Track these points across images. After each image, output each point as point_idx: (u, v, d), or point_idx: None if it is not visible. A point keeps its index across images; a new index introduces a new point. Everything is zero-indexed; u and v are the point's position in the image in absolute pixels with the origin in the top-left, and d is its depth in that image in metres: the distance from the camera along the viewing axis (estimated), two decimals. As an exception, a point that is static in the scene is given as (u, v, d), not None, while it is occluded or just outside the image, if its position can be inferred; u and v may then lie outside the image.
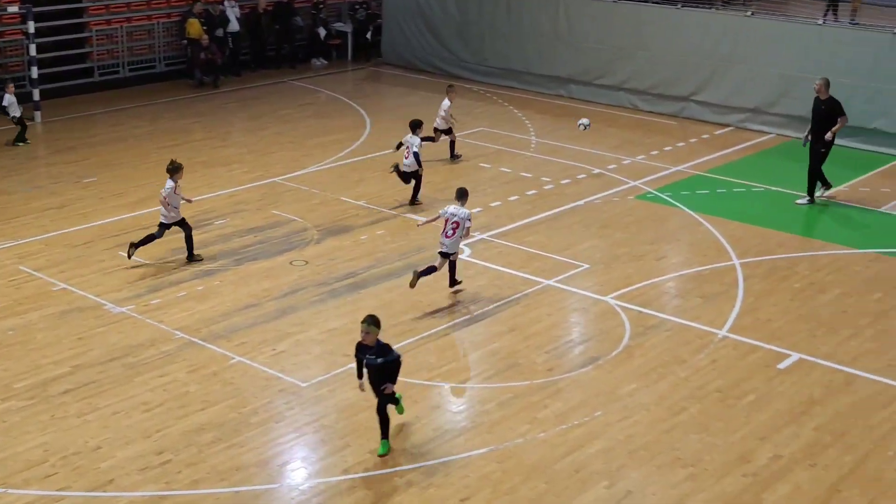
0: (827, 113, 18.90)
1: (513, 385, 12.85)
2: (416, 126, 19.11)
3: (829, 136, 18.85)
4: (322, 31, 30.18)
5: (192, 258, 16.22)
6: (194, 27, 27.32)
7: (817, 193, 19.55)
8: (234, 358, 13.35)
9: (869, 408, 12.50)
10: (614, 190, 19.92)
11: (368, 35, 30.82)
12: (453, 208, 15.30)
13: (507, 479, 10.99)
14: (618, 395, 12.68)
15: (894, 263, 16.72)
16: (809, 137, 19.16)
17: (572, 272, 16.18)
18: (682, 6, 25.62)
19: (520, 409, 12.31)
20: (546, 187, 19.95)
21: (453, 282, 15.38)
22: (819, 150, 19.07)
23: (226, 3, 28.25)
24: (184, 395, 12.45)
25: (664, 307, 15.15)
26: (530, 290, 15.54)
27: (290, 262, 16.35)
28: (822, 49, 23.29)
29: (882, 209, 19.29)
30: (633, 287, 15.70)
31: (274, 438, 11.67)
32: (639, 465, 11.27)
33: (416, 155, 18.71)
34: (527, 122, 24.63)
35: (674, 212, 18.88)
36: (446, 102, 21.48)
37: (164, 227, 16.19)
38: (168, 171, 16.17)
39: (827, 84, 19.11)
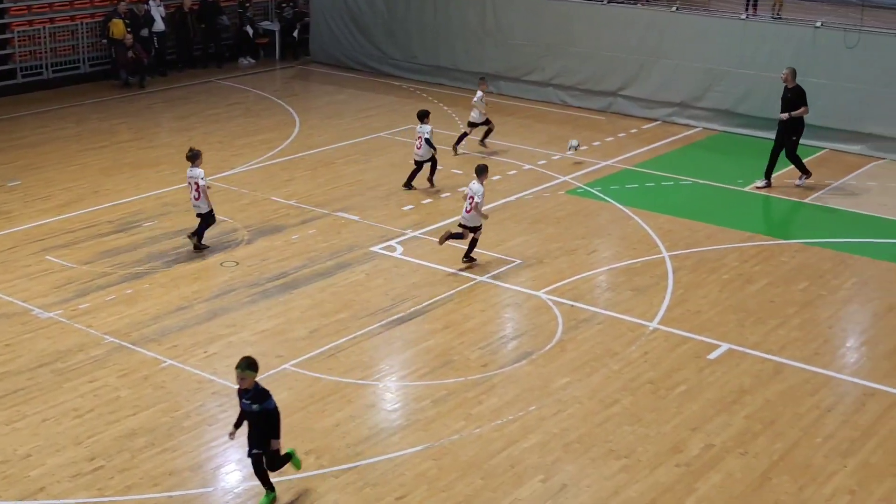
0: (793, 101, 19.85)
1: (447, 382, 12.88)
2: (423, 116, 19.56)
3: (783, 116, 19.82)
4: (249, 30, 29.94)
5: (198, 242, 16.59)
6: (118, 27, 26.92)
7: (797, 182, 20.28)
8: (165, 361, 13.20)
9: (797, 396, 12.73)
10: (545, 185, 20.05)
11: (296, 33, 30.63)
12: (472, 184, 16.34)
13: (443, 476, 11.01)
14: (551, 389, 12.77)
15: (819, 253, 17.03)
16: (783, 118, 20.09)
17: (505, 268, 16.25)
18: (609, 2, 25.84)
19: (455, 406, 12.34)
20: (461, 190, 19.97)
21: (468, 256, 16.30)
22: (791, 137, 19.95)
23: (151, 2, 27.88)
24: (115, 401, 12.29)
25: (596, 301, 15.28)
26: (463, 286, 15.58)
27: (221, 264, 16.21)
28: (745, 44, 23.64)
29: (806, 200, 19.64)
30: (566, 281, 15.81)
31: (207, 442, 11.56)
32: (573, 458, 11.36)
33: (427, 142, 19.29)
34: (457, 119, 24.67)
35: (604, 206, 19.04)
36: (479, 94, 22.03)
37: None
38: (188, 158, 16.48)
39: (793, 73, 19.99)
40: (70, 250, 16.52)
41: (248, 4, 29.98)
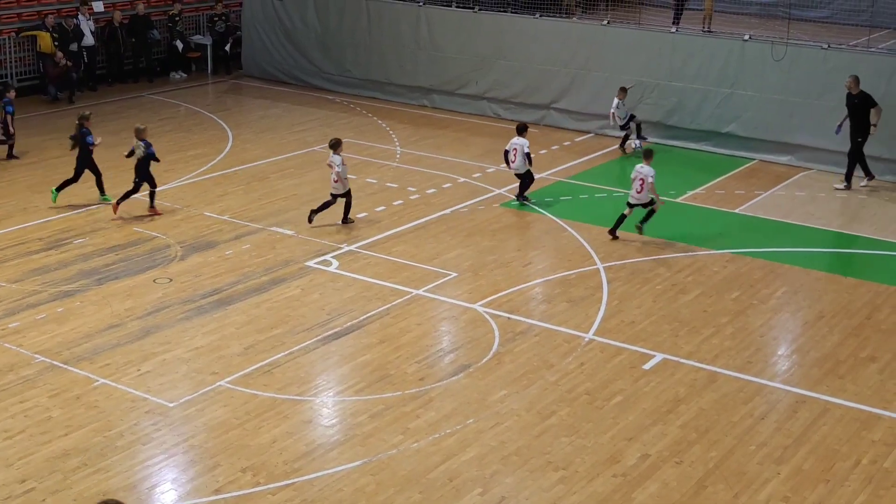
0: (860, 105, 20.73)
1: (384, 396, 12.84)
2: (522, 129, 19.87)
3: (874, 125, 20.71)
4: (179, 45, 29.68)
5: (346, 220, 18.40)
6: (45, 41, 26.54)
7: (862, 184, 21.08)
8: (97, 380, 13.00)
9: (731, 404, 12.88)
10: (480, 198, 20.11)
11: (228, 47, 30.44)
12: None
13: (382, 490, 10.97)
14: (489, 401, 12.79)
15: (750, 263, 17.28)
16: (841, 127, 20.95)
17: (440, 281, 16.26)
18: (541, 16, 26.03)
19: (392, 420, 12.31)
20: (412, 197, 20.01)
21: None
22: (857, 139, 20.82)
23: (80, 16, 27.53)
24: (46, 421, 12.08)
25: (532, 313, 15.35)
26: (399, 300, 15.56)
27: (154, 280, 16.02)
28: (675, 56, 23.96)
29: (736, 210, 19.92)
30: (501, 294, 15.86)
31: (142, 461, 11.41)
32: (512, 470, 11.38)
33: (527, 156, 19.51)
34: (391, 132, 24.68)
35: (538, 218, 19.15)
36: (616, 101, 22.93)
37: (335, 197, 18.30)
38: (331, 146, 18.23)
39: (857, 80, 20.75)
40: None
41: (177, 19, 29.72)
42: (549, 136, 24.74)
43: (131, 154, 18.69)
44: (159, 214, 18.66)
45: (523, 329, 14.74)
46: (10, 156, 21.85)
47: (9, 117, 21.64)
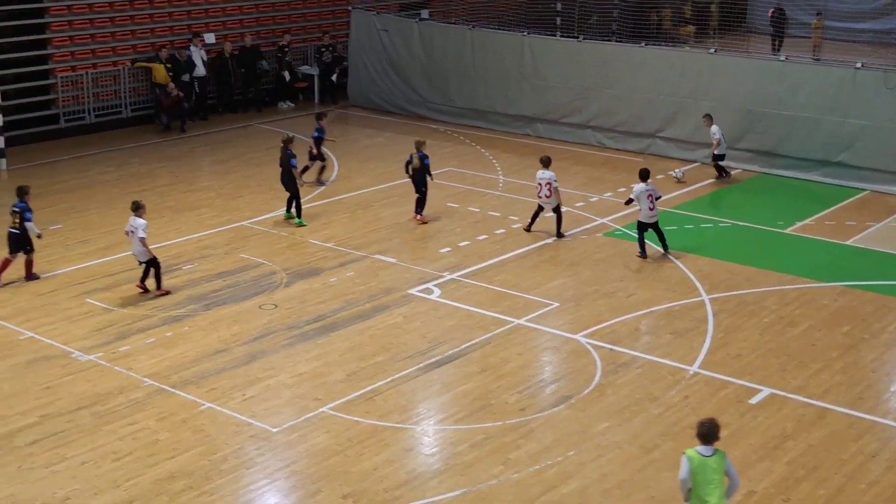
0: None
1: (485, 426, 12.80)
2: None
3: None
4: (287, 75, 30.22)
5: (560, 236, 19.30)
6: (160, 72, 27.30)
7: None
8: (203, 404, 13.22)
9: (840, 441, 12.53)
10: (583, 227, 19.99)
11: (334, 77, 30.89)
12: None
13: (482, 521, 10.91)
14: (591, 433, 12.65)
15: (861, 296, 16.83)
16: None
17: (542, 311, 16.18)
18: (647, 44, 25.86)
19: (493, 450, 12.25)
20: (514, 226, 19.99)
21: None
22: None
23: (192, 47, 28.24)
24: (153, 444, 12.31)
25: (635, 344, 15.17)
26: (501, 329, 15.52)
27: (260, 306, 16.26)
28: (784, 84, 23.56)
29: (847, 242, 19.44)
30: (604, 324, 15.71)
31: (245, 485, 11.55)
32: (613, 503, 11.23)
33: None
34: (494, 161, 24.72)
35: (642, 248, 18.95)
36: (714, 128, 22.83)
37: (542, 209, 19.29)
38: (542, 161, 19.24)
39: None
40: (110, 293, 16.65)
41: (286, 49, 30.28)
42: (653, 165, 24.27)
43: (409, 164, 20.09)
44: (425, 223, 19.98)
45: (626, 360, 14.57)
46: (319, 181, 22.61)
47: (312, 141, 22.34)
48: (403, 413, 13.13)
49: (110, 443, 12.31)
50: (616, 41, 26.60)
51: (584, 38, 26.93)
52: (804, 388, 13.78)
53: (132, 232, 16.52)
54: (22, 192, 17.46)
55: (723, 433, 12.54)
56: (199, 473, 11.71)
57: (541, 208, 19.51)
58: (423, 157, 20.08)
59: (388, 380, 13.93)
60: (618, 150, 25.81)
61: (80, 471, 11.73)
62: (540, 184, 19.28)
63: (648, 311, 16.39)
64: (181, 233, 19.40)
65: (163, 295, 16.52)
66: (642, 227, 18.42)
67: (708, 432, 9.84)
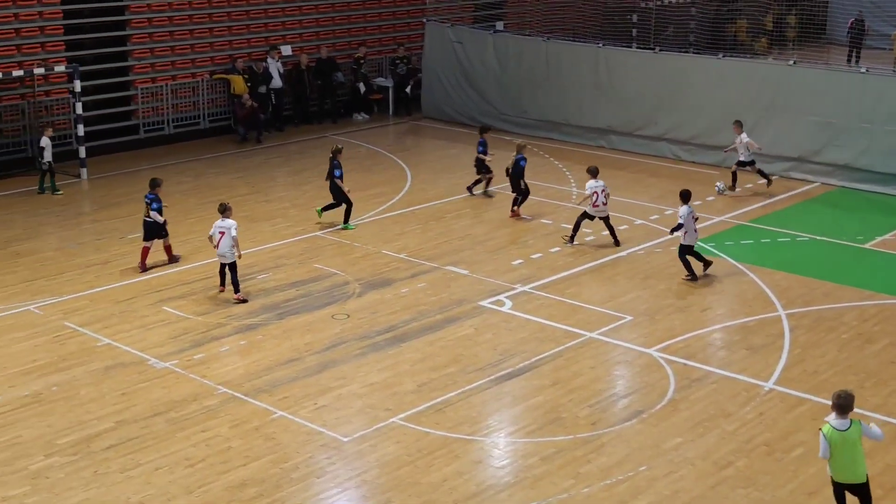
0: None
1: (556, 439, 12.72)
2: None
3: None
4: (362, 87, 30.42)
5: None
6: (239, 84, 27.66)
7: None
8: (275, 413, 13.32)
9: (921, 461, 12.24)
10: (657, 241, 19.81)
11: (409, 89, 31.03)
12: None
13: (551, 535, 10.84)
14: (663, 449, 12.51)
15: (944, 313, 16.44)
16: None
17: (615, 324, 16.06)
18: (724, 56, 25.57)
19: (563, 464, 12.17)
20: (587, 238, 19.87)
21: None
22: None
23: (269, 59, 28.57)
24: (226, 451, 12.43)
25: (709, 359, 14.97)
26: (572, 342, 15.43)
27: (332, 316, 16.35)
28: (865, 97, 23.13)
29: (930, 258, 19.03)
30: (678, 339, 15.54)
31: (316, 494, 11.60)
32: (685, 520, 11.08)
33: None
34: (567, 173, 24.62)
35: (717, 262, 18.69)
36: (743, 136, 22.81)
37: (589, 216, 19.35)
38: (590, 172, 19.54)
39: None
40: (186, 301, 16.88)
41: (362, 61, 30.49)
42: (730, 179, 24.18)
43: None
44: (522, 218, 20.91)
45: (700, 376, 14.39)
46: (486, 193, 22.92)
47: (481, 156, 22.70)
48: (474, 425, 13.10)
49: (184, 449, 12.46)
50: (693, 52, 26.34)
51: (660, 50, 26.72)
52: (883, 407, 13.47)
53: (222, 233, 16.83)
54: (154, 185, 18.57)
55: (798, 451, 12.38)
56: (270, 481, 11.80)
57: (588, 217, 19.42)
58: (519, 160, 20.88)
59: (459, 391, 13.91)
60: (693, 162, 25.55)
61: (154, 476, 11.88)
62: (596, 192, 19.21)
63: (723, 325, 16.18)
64: (256, 242, 19.60)
65: (240, 302, 16.70)
66: (686, 251, 17.87)
67: (845, 403, 10.24)
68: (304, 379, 14.27)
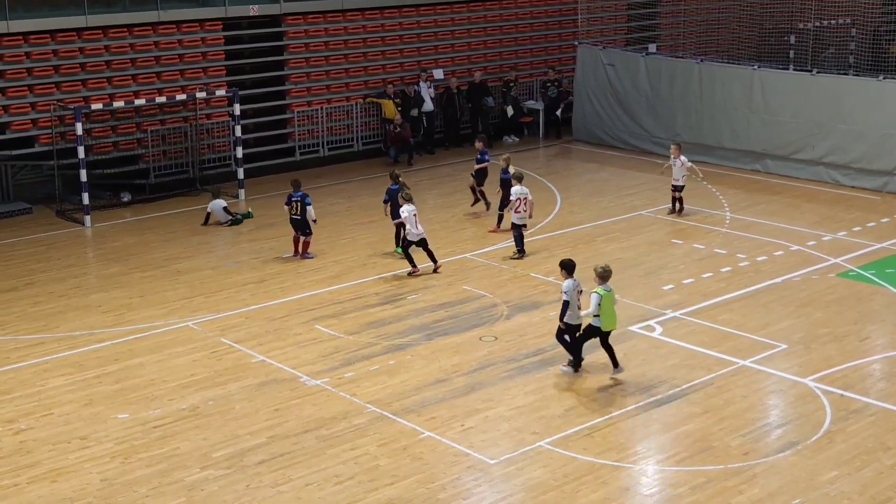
0: None
1: (706, 469, 12.47)
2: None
3: None
4: (510, 110, 30.50)
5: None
6: (389, 108, 28.11)
7: None
8: (423, 433, 13.43)
9: None
10: (814, 267, 19.26)
11: (559, 112, 30.99)
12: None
13: (701, 566, 10.61)
14: (818, 482, 12.12)
15: None
16: None
17: (769, 352, 15.66)
18: (885, 78, 24.78)
19: (713, 494, 11.91)
20: (741, 264, 19.46)
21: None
22: None
23: (421, 83, 28.95)
24: (374, 469, 12.59)
25: (868, 391, 14.46)
26: (724, 370, 15.11)
27: (480, 338, 16.41)
28: None
29: None
30: (835, 369, 15.06)
31: (461, 515, 11.64)
32: (842, 557, 10.71)
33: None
34: (720, 197, 24.19)
35: (878, 290, 18.08)
36: (683, 159, 22.45)
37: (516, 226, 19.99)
38: (516, 178, 20.24)
39: None
40: (338, 320, 17.18)
41: (512, 84, 30.60)
42: (891, 204, 23.39)
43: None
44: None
45: (858, 407, 13.90)
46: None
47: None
48: (622, 451, 12.95)
49: (333, 466, 12.66)
50: (853, 74, 25.59)
51: (817, 72, 26.05)
52: None
53: (415, 215, 19.02)
54: (297, 184, 20.41)
55: (964, 489, 11.83)
56: (416, 501, 11.88)
57: (517, 227, 20.00)
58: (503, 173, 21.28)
59: (607, 417, 13.78)
60: (853, 187, 24.79)
61: (304, 492, 12.11)
62: (519, 199, 19.91)
63: (883, 356, 15.61)
64: (405, 263, 19.80)
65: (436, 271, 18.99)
66: (569, 333, 15.03)
67: (606, 274, 14.07)
68: (451, 400, 14.35)
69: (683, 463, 12.65)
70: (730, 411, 13.88)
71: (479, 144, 23.69)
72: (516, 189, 20.02)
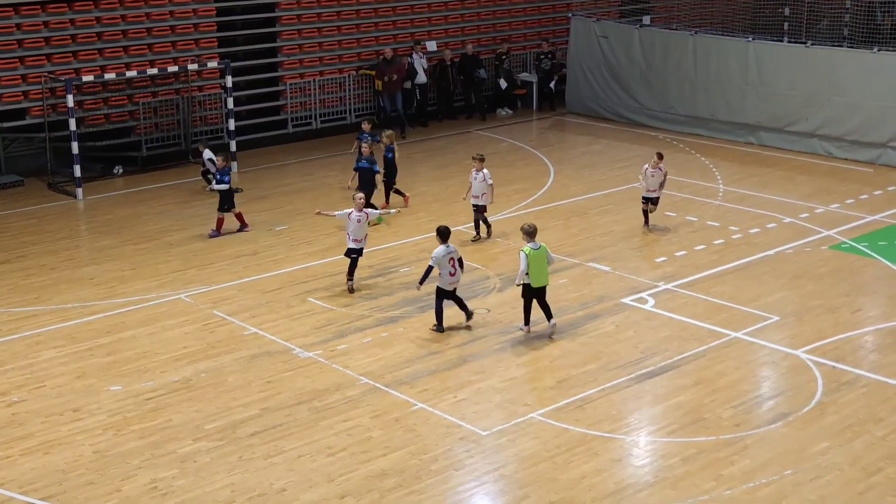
0: None
1: (698, 440, 12.50)
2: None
3: None
4: (503, 83, 30.40)
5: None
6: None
7: None
8: (416, 404, 13.45)
9: None
10: (807, 240, 19.27)
11: (552, 84, 30.89)
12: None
13: (691, 537, 10.67)
14: (809, 453, 12.17)
15: None
16: None
17: (761, 324, 15.69)
18: (879, 50, 24.73)
19: (705, 465, 11.95)
20: (734, 237, 19.47)
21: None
22: None
23: (414, 55, 28.84)
24: (367, 441, 12.61)
25: (860, 362, 14.50)
26: (717, 342, 15.14)
27: (473, 310, 16.40)
28: None
29: None
30: (827, 341, 15.09)
31: (453, 486, 11.67)
32: (832, 528, 10.77)
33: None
34: (714, 169, 24.17)
35: (871, 263, 18.10)
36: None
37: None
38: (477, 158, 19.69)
39: None
40: (330, 293, 17.17)
41: (504, 57, 30.49)
42: (885, 177, 23.39)
43: None
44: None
45: (850, 379, 13.94)
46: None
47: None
48: (614, 423, 12.98)
49: (326, 438, 12.68)
50: (848, 46, 25.52)
51: (812, 44, 25.98)
52: None
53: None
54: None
55: (954, 460, 11.89)
56: (409, 472, 11.91)
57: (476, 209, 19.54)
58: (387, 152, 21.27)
59: (599, 388, 13.80)
60: (846, 160, 24.77)
61: (296, 463, 12.13)
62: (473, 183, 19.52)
63: (875, 328, 15.65)
64: (399, 236, 19.81)
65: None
66: (442, 294, 15.56)
67: (533, 231, 14.46)
68: (443, 372, 14.36)
69: (675, 434, 12.68)
70: (722, 383, 13.92)
71: (365, 126, 22.95)
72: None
